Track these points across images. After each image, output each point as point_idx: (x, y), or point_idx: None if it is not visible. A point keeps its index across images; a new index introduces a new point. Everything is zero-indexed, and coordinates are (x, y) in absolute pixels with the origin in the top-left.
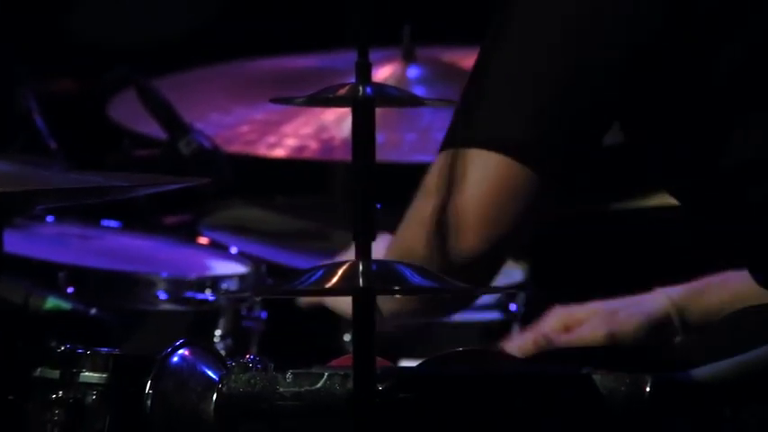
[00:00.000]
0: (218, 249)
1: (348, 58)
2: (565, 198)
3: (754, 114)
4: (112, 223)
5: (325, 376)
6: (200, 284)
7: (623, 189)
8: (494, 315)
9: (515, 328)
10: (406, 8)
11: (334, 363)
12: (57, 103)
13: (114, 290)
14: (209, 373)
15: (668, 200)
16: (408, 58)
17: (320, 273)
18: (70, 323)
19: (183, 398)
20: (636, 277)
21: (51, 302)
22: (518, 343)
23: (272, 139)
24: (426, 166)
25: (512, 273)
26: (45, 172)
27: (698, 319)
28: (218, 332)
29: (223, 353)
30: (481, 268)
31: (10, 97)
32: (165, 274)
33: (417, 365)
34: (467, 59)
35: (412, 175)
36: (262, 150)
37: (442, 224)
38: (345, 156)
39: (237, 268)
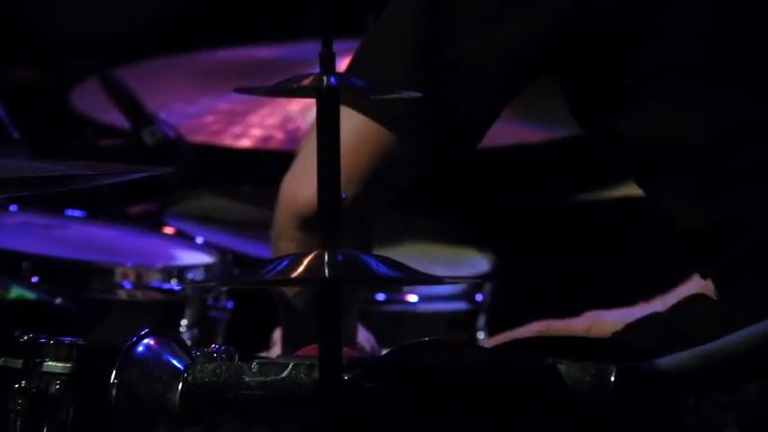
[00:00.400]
0: (184, 239)
1: (313, 48)
2: (436, 166)
3: (696, 98)
4: (77, 213)
5: (290, 366)
6: (166, 274)
7: (590, 178)
8: (460, 305)
9: (481, 318)
10: None
11: (300, 352)
12: (19, 92)
13: (79, 279)
14: (175, 362)
15: (636, 189)
16: None
17: (286, 263)
18: (34, 313)
19: (148, 387)
20: (602, 267)
21: (15, 292)
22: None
23: (237, 129)
24: None
25: (478, 263)
26: (8, 161)
27: None
28: (184, 322)
29: (189, 343)
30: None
31: None
32: (130, 264)
33: (383, 355)
34: None
35: None
36: (227, 140)
37: (289, 171)
38: None
39: (203, 258)
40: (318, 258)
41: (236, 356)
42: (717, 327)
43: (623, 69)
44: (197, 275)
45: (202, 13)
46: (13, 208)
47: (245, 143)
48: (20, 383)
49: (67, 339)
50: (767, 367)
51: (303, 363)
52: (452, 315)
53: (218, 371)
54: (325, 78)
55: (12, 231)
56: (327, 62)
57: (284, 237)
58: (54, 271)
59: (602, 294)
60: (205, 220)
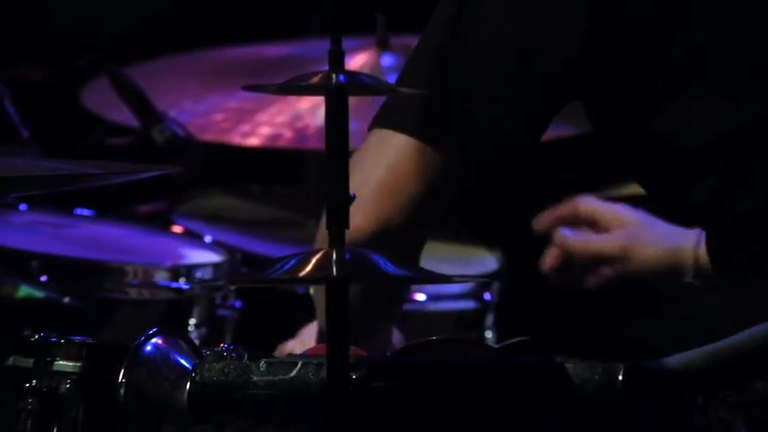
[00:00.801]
0: (193, 238)
1: (322, 46)
2: (476, 184)
3: (708, 101)
4: (86, 212)
5: (298, 365)
6: (174, 273)
7: (598, 177)
8: (468, 304)
9: (489, 317)
10: None
11: (308, 351)
12: (29, 91)
13: (87, 278)
14: (183, 361)
15: (640, 189)
16: (382, 47)
17: (294, 261)
18: (43, 312)
19: (156, 387)
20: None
21: (24, 291)
22: (547, 217)
23: (246, 127)
24: None
25: (486, 261)
26: (17, 160)
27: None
28: (192, 321)
29: (197, 342)
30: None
31: None
32: (138, 263)
33: (391, 354)
34: None
35: None
36: (236, 139)
37: None
38: (320, 144)
39: (212, 257)
40: (326, 257)
41: (245, 356)
42: (739, 321)
43: (647, 72)
44: (205, 274)
45: (211, 11)
46: (22, 207)
47: (253, 141)
48: (30, 382)
49: (77, 338)
50: None
51: (311, 362)
52: (461, 314)
53: (226, 370)
54: (334, 76)
55: (21, 230)
56: (336, 60)
57: None
58: (63, 270)
59: (609, 293)
60: (214, 218)
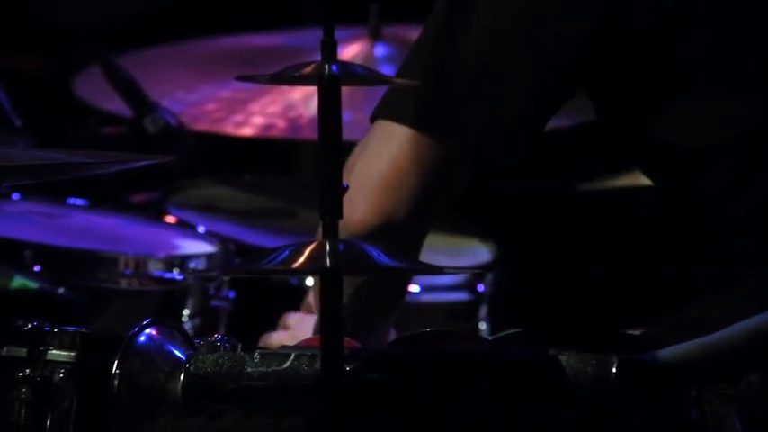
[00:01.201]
0: (186, 228)
1: (315, 36)
2: (478, 177)
3: (716, 95)
4: (79, 201)
5: (292, 356)
6: (168, 263)
7: (592, 168)
8: (461, 296)
9: (483, 308)
10: None
11: (301, 343)
12: (21, 80)
13: (81, 268)
14: (177, 352)
15: (638, 180)
16: (375, 37)
17: (287, 252)
18: (37, 302)
19: (150, 377)
20: (604, 258)
21: (18, 281)
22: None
23: (239, 117)
24: None
25: (479, 253)
26: (10, 149)
27: None
28: (185, 311)
29: (191, 332)
30: (373, 240)
31: None
32: (132, 253)
33: (385, 346)
34: None
35: None
36: (229, 129)
37: (347, 199)
38: (313, 134)
39: (205, 247)
40: (320, 248)
41: (239, 346)
42: (742, 316)
43: (654, 70)
44: (199, 265)
45: (204, 1)
46: (15, 196)
47: (246, 131)
48: (24, 372)
49: (71, 328)
50: None
51: (305, 353)
52: (454, 305)
53: (219, 361)
54: (326, 66)
55: (14, 220)
56: (329, 50)
57: None
58: (56, 260)
59: (603, 285)
60: (207, 209)
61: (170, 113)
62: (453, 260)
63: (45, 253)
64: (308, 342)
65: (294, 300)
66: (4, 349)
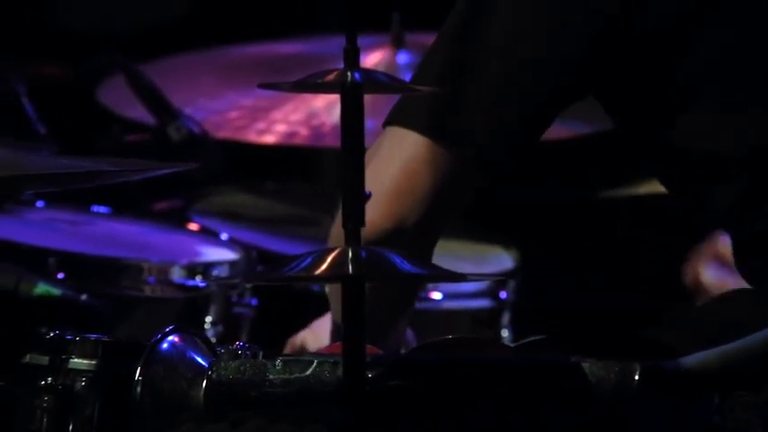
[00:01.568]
0: (209, 235)
1: (338, 43)
2: (491, 184)
3: (733, 101)
4: (102, 209)
5: (314, 363)
6: (191, 271)
7: (614, 176)
8: (484, 303)
9: (506, 315)
10: None
11: (323, 350)
12: (46, 88)
13: (104, 276)
14: (199, 359)
15: (660, 187)
16: (397, 45)
17: (310, 259)
18: (60, 309)
19: (172, 385)
20: (626, 265)
21: (41, 288)
22: None
23: (261, 125)
24: None
25: (502, 260)
26: (34, 157)
27: None
28: (208, 319)
29: (213, 340)
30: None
31: None
32: (155, 260)
33: (407, 353)
34: None
35: None
36: (252, 136)
37: None
38: (335, 142)
39: (228, 254)
40: (342, 255)
41: (261, 354)
42: (758, 321)
43: (666, 77)
44: (222, 272)
45: (227, 9)
46: (39, 204)
47: (269, 139)
48: (46, 380)
49: (93, 336)
50: None
51: (327, 360)
52: (476, 312)
53: (242, 368)
54: (349, 74)
55: (38, 227)
56: (351, 57)
57: None
58: (80, 267)
59: (626, 292)
60: (230, 216)
61: (193, 121)
62: (476, 267)
63: (69, 260)
64: (330, 349)
65: (317, 307)
66: (27, 357)
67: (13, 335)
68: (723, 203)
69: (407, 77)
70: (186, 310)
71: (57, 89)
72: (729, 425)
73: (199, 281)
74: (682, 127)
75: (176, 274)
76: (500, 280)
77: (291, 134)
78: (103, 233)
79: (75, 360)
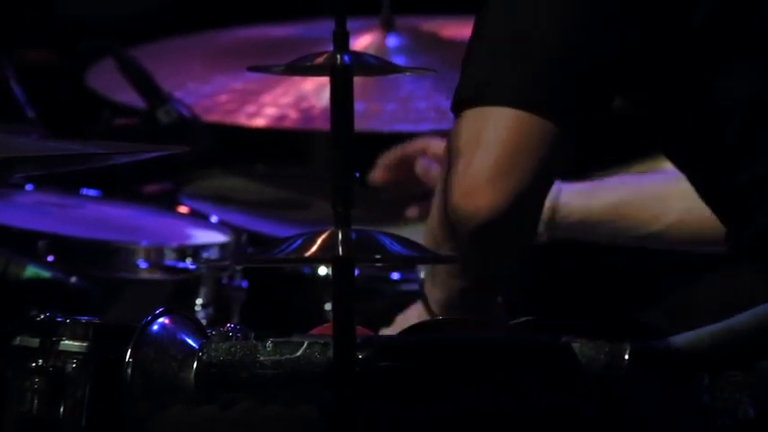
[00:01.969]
0: (199, 218)
1: (328, 26)
2: (581, 154)
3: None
4: (92, 192)
5: (305, 345)
6: (181, 253)
7: (607, 158)
8: None
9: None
10: None
11: (314, 331)
12: (35, 72)
13: (94, 258)
14: (190, 341)
15: (654, 168)
16: (387, 28)
17: (300, 241)
18: (50, 292)
19: (163, 366)
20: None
21: (31, 271)
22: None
23: (251, 108)
24: (406, 135)
25: None
26: (24, 140)
27: (570, 222)
28: (198, 301)
29: (204, 322)
30: (504, 227)
31: None
32: (145, 243)
33: (398, 334)
34: (446, 29)
35: (391, 144)
36: (241, 120)
37: (458, 186)
38: (325, 125)
39: (218, 237)
40: (332, 237)
41: (251, 335)
42: (745, 300)
43: (686, 57)
44: (212, 254)
45: None
46: (28, 187)
47: (259, 122)
48: (37, 362)
49: (84, 318)
50: None
51: (317, 342)
52: None
53: (232, 350)
54: (338, 57)
55: (27, 210)
56: (341, 40)
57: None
58: (69, 250)
59: (617, 273)
60: (220, 199)
61: (183, 105)
62: None
63: (58, 243)
64: (321, 330)
65: (306, 289)
66: (17, 339)
67: (4, 317)
68: (736, 186)
69: (397, 60)
70: (177, 293)
71: (46, 73)
72: (719, 404)
73: (189, 263)
74: (699, 107)
75: (167, 257)
76: None
77: (281, 117)
78: (93, 216)
79: (66, 342)
